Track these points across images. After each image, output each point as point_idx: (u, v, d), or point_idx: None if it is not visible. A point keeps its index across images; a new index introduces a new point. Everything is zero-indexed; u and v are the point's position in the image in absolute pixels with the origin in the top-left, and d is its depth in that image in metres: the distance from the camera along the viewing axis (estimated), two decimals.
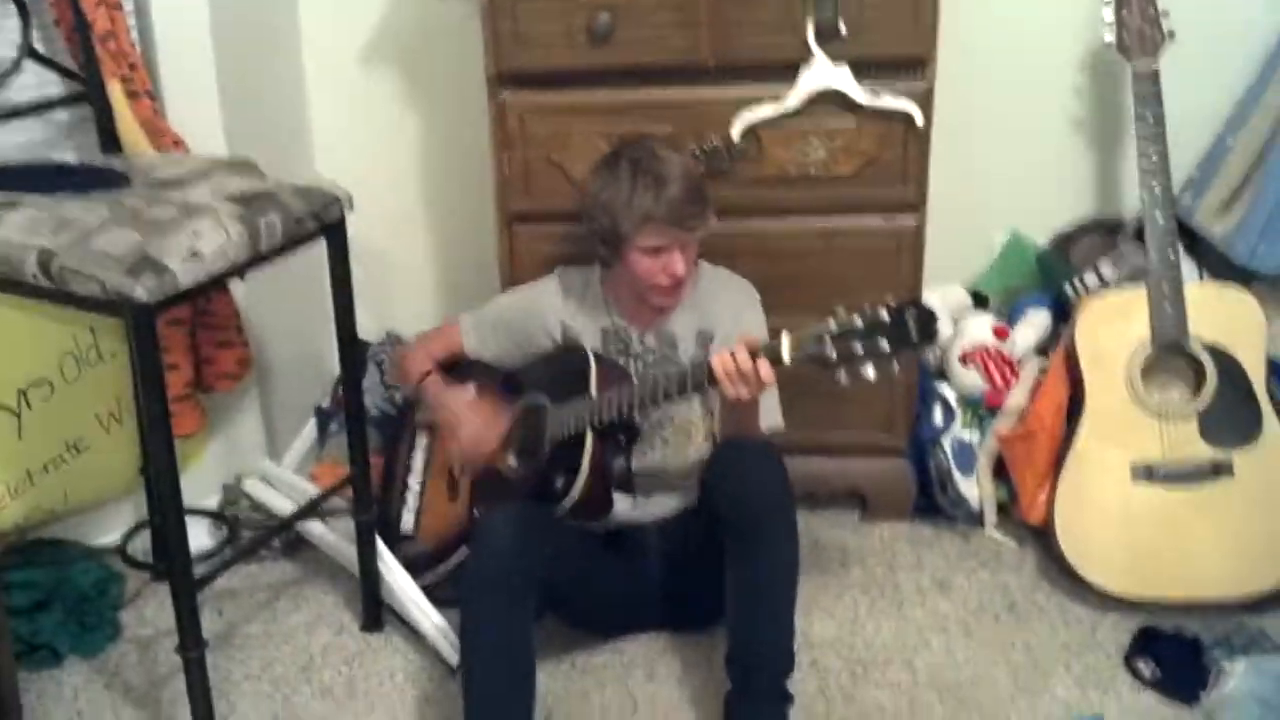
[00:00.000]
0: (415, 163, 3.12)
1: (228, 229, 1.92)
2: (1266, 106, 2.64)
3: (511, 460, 2.39)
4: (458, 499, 2.46)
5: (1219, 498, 2.41)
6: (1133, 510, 2.43)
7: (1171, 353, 2.45)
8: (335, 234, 2.15)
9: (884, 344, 1.86)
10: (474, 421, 2.42)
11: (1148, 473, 2.43)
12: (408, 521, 2.54)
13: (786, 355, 1.95)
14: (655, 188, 2.18)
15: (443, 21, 2.91)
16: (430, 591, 2.43)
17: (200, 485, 2.72)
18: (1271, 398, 2.45)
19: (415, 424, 2.64)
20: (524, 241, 2.58)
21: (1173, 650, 2.27)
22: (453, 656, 2.32)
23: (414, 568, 2.46)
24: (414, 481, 2.57)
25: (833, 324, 1.90)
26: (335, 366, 2.53)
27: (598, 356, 2.30)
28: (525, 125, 2.48)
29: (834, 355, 1.88)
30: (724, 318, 2.35)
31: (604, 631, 2.41)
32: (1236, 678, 1.98)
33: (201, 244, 1.87)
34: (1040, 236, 2.95)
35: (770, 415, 2.31)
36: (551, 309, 2.42)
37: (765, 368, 1.96)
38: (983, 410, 2.72)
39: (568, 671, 2.34)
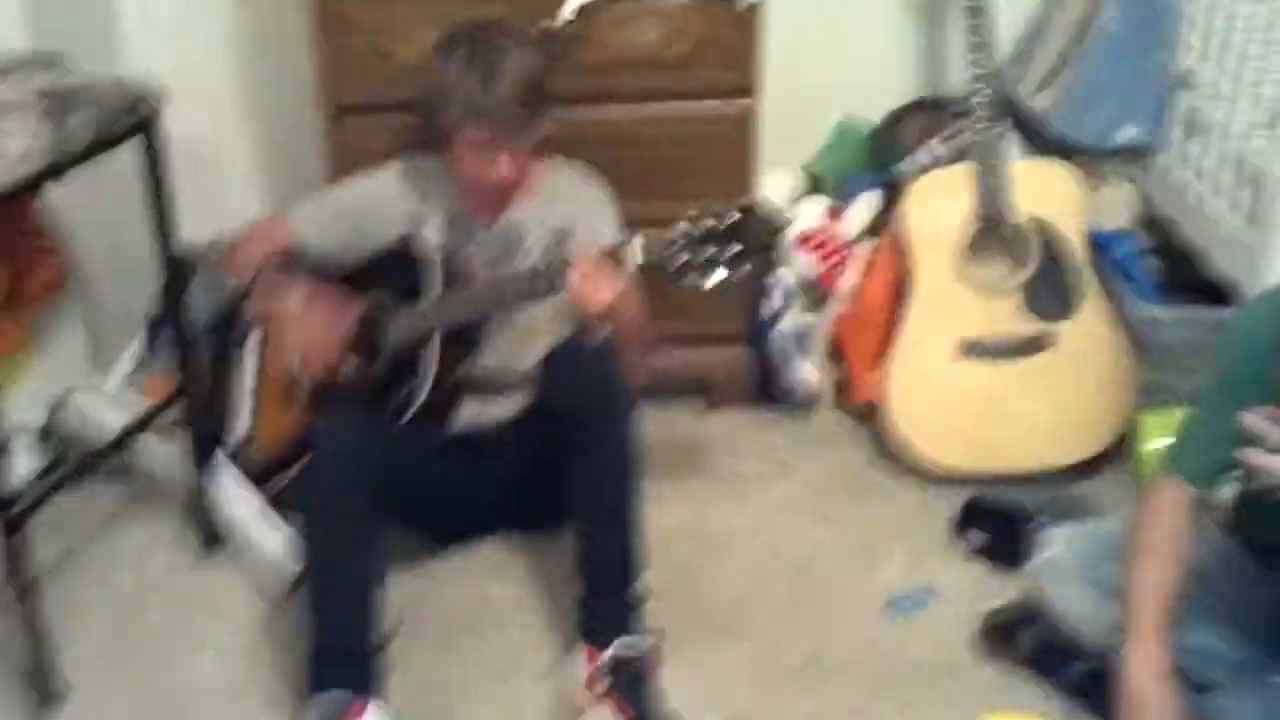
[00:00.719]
0: (235, 54, 2.96)
1: (35, 128, 1.83)
2: None
3: (351, 366, 2.33)
4: (295, 403, 2.39)
5: (1042, 370, 2.50)
6: (960, 386, 2.51)
7: (996, 229, 2.50)
8: (150, 131, 2.05)
9: (735, 247, 1.87)
10: (314, 320, 2.29)
11: (973, 348, 2.50)
12: (242, 429, 2.46)
13: (639, 260, 1.95)
14: (485, 81, 2.10)
15: None
16: (272, 500, 2.38)
17: (25, 405, 2.60)
18: (1092, 269, 2.53)
19: (244, 323, 2.51)
20: (352, 135, 2.49)
21: (998, 520, 2.35)
22: (297, 568, 2.28)
23: (252, 477, 2.39)
24: (246, 386, 2.48)
25: (684, 228, 1.90)
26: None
27: (442, 257, 2.25)
28: (348, 11, 2.37)
29: (687, 259, 1.89)
30: (581, 218, 2.30)
31: (452, 538, 2.40)
32: (1058, 543, 2.08)
33: (6, 145, 1.79)
34: (872, 117, 2.97)
35: None
36: (396, 196, 2.33)
37: (616, 273, 1.97)
38: (818, 293, 2.77)
39: (417, 577, 2.33)
